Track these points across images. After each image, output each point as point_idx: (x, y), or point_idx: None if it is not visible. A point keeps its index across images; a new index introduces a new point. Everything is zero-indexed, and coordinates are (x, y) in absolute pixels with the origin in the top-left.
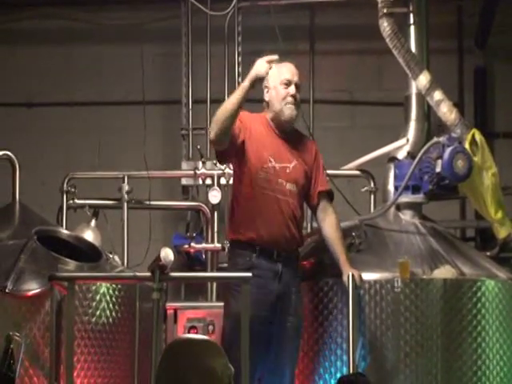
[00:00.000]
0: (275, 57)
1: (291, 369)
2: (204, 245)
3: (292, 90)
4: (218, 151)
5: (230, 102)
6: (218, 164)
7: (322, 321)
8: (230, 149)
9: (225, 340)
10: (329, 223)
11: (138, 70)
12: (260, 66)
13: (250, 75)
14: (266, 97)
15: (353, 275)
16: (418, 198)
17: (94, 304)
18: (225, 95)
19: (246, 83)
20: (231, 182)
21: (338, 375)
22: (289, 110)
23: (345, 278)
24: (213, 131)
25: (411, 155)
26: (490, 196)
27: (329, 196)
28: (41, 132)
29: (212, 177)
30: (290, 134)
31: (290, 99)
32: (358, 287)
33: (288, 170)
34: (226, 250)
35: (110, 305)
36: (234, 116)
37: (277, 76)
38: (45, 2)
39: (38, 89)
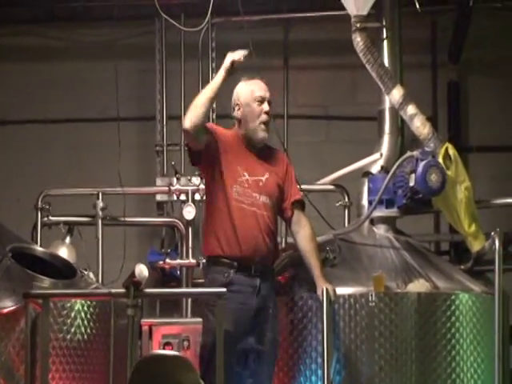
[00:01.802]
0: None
1: (269, 383)
2: (179, 261)
3: (266, 107)
4: (193, 150)
5: (208, 89)
6: (192, 179)
7: (297, 335)
8: (205, 149)
9: (204, 356)
10: (303, 235)
11: (112, 87)
12: (233, 54)
13: (224, 63)
14: (238, 114)
15: (327, 290)
16: (392, 212)
17: (69, 321)
18: None
19: (221, 72)
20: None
21: None
22: (262, 133)
23: (319, 293)
24: (188, 119)
25: (385, 169)
26: (464, 210)
27: (302, 207)
28: (15, 149)
29: (186, 193)
30: (260, 149)
31: (264, 117)
32: (333, 302)
33: (261, 183)
34: (201, 266)
35: (85, 321)
36: (210, 103)
37: (249, 93)
38: (19, 19)
39: (12, 106)
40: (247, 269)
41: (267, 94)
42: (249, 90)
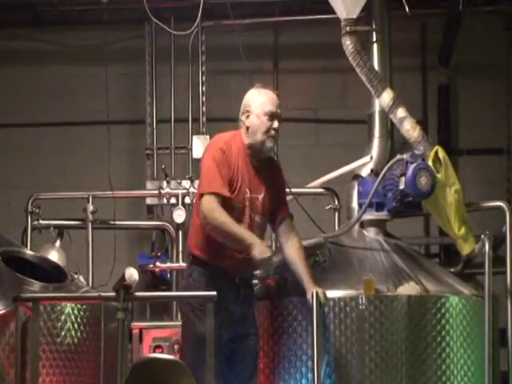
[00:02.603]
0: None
1: None
2: (169, 264)
3: (276, 124)
4: None
5: (235, 236)
6: (182, 183)
7: (287, 339)
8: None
9: (187, 360)
10: (291, 246)
11: (103, 90)
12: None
13: (255, 251)
14: (247, 122)
15: (317, 293)
16: (382, 215)
17: (59, 324)
18: (189, 114)
19: (250, 243)
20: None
21: None
22: (270, 144)
23: (309, 296)
24: (211, 219)
25: (375, 173)
26: (454, 212)
27: (290, 218)
28: (6, 152)
29: (176, 196)
30: (262, 162)
31: (273, 133)
32: (323, 305)
33: (257, 202)
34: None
35: (75, 325)
36: (226, 240)
37: (260, 105)
38: (10, 23)
39: (2, 109)
40: (231, 278)
41: (278, 110)
42: (260, 102)
